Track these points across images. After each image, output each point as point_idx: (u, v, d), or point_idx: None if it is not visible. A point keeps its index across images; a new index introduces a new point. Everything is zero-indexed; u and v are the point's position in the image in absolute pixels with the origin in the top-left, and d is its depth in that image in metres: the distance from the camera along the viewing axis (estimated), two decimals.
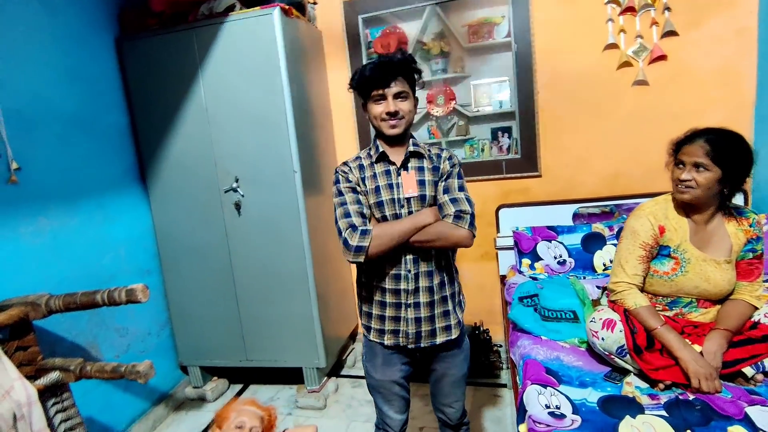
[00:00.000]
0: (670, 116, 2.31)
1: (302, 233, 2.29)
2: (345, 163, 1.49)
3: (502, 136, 2.60)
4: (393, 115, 1.38)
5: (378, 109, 1.39)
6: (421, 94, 2.64)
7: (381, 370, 1.51)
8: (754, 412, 1.10)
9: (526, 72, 2.42)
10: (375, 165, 1.45)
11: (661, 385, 1.26)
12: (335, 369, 2.77)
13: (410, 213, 1.40)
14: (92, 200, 2.18)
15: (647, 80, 2.30)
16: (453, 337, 1.43)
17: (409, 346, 1.43)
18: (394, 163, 1.44)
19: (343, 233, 1.36)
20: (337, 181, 1.45)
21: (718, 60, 2.22)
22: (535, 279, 2.05)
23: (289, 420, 2.38)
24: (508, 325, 1.94)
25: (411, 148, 1.44)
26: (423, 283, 1.40)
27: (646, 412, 1.16)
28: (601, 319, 1.39)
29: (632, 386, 1.28)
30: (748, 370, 1.25)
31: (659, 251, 1.43)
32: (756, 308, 1.35)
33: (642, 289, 1.44)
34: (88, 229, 2.14)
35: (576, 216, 2.35)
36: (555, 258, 2.15)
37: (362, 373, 2.70)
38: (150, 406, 2.45)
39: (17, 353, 1.60)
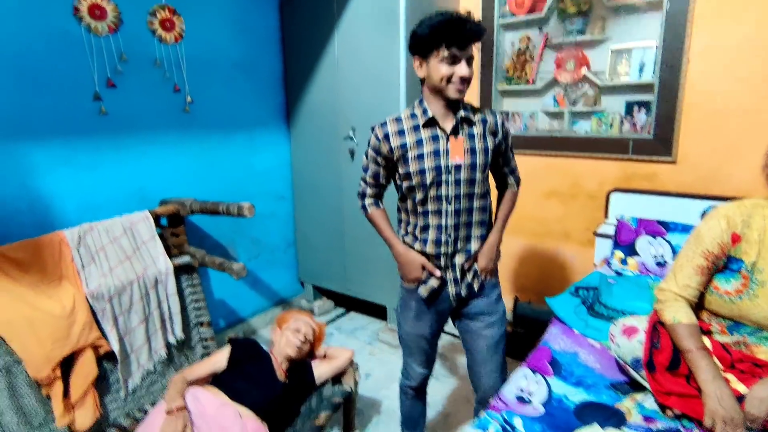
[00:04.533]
0: None
1: None
2: (383, 125, 1.44)
3: (639, 111, 2.26)
4: (465, 79, 1.34)
5: (447, 70, 1.32)
6: (549, 58, 2.45)
7: (412, 323, 1.58)
8: None
9: (676, 37, 2.03)
10: (421, 129, 1.40)
11: (671, 413, 1.11)
12: None
13: (457, 181, 1.37)
14: (245, 133, 2.71)
15: None
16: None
17: (444, 251, 1.45)
18: (443, 129, 1.39)
19: (359, 190, 1.58)
20: (369, 143, 1.48)
21: None
22: (619, 274, 1.85)
23: (369, 348, 2.69)
24: None
25: (462, 114, 1.39)
26: (465, 233, 1.45)
27: (623, 428, 1.05)
28: (624, 324, 1.24)
29: (634, 402, 1.15)
30: None
31: (727, 264, 1.18)
32: None
33: (699, 306, 1.22)
34: (238, 156, 2.69)
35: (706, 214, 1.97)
36: (654, 257, 1.88)
37: (448, 329, 2.86)
38: (271, 305, 3.04)
39: (171, 238, 2.20)
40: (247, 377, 1.64)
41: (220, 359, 1.71)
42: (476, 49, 1.40)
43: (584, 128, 2.42)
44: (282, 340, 1.76)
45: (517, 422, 1.08)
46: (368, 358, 2.55)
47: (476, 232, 1.46)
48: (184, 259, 2.14)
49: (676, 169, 2.15)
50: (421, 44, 1.33)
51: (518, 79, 2.58)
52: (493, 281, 1.53)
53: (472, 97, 2.73)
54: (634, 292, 1.61)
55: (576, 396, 1.19)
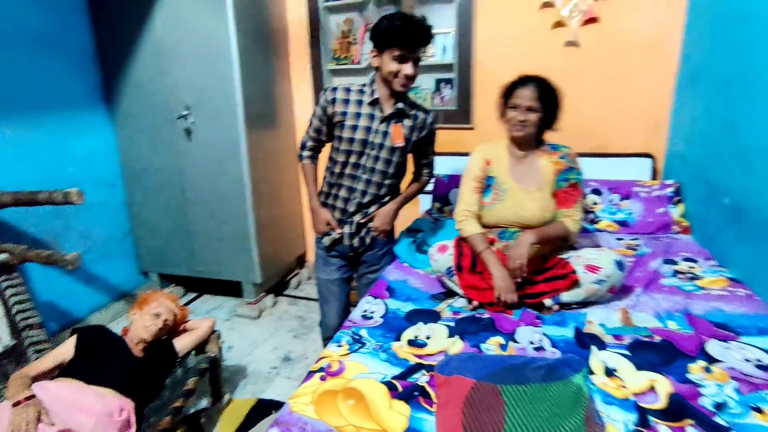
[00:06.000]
0: (598, 79, 2.38)
1: (242, 162, 2.53)
2: (334, 90, 1.70)
3: (445, 87, 2.72)
4: (410, 77, 1.59)
5: (396, 66, 1.57)
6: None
7: (321, 269, 1.91)
8: (522, 331, 1.33)
9: (466, 26, 2.50)
10: (364, 105, 1.67)
11: (471, 306, 1.50)
12: (278, 288, 3.09)
13: (376, 158, 1.69)
14: (56, 115, 2.44)
15: (579, 42, 2.36)
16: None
17: (349, 209, 1.77)
18: (382, 112, 1.67)
19: (302, 139, 1.84)
20: (317, 101, 1.75)
21: (647, 26, 2.26)
22: (437, 220, 2.26)
23: (227, 324, 2.73)
24: None
25: (400, 106, 1.67)
26: (369, 200, 1.76)
27: (439, 322, 1.40)
28: (438, 244, 1.63)
29: (447, 305, 1.52)
30: (549, 302, 1.47)
31: (488, 182, 1.63)
32: (570, 230, 1.54)
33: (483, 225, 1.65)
34: (52, 140, 2.41)
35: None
36: None
37: (302, 294, 3.05)
38: (111, 300, 2.83)
39: None
40: (100, 359, 1.60)
41: (65, 350, 1.63)
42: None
43: None
44: (140, 323, 1.73)
45: (363, 332, 1.35)
46: (228, 333, 2.61)
47: (378, 201, 1.78)
48: (0, 256, 1.91)
49: (475, 134, 2.67)
50: (378, 40, 1.57)
51: (345, 59, 2.84)
52: (384, 241, 1.86)
53: (305, 75, 2.91)
54: (447, 231, 2.02)
55: (406, 308, 1.51)
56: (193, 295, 3.12)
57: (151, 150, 2.70)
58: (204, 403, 1.99)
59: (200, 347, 1.92)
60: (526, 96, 1.53)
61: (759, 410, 0.99)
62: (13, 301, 1.97)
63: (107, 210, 2.77)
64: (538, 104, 1.52)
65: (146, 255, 2.96)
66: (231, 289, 3.01)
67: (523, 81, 1.57)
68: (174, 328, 1.87)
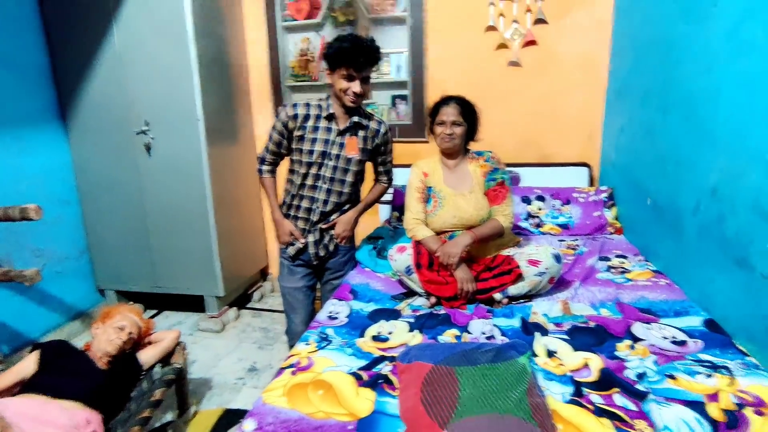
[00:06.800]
0: (538, 95, 2.61)
1: (204, 176, 2.57)
2: (295, 106, 1.81)
3: (400, 103, 2.88)
4: (358, 95, 1.72)
5: (345, 84, 1.70)
6: None
7: (286, 278, 1.99)
8: (475, 324, 1.47)
9: (418, 46, 2.68)
10: (322, 119, 1.78)
11: (429, 303, 1.62)
12: (241, 301, 3.11)
13: (334, 168, 1.82)
14: (9, 132, 2.40)
15: (520, 62, 2.58)
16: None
17: (313, 219, 1.88)
18: (338, 126, 1.80)
19: (260, 154, 1.92)
20: (277, 116, 1.84)
21: (580, 48, 2.51)
22: (396, 228, 2.39)
23: (190, 339, 2.72)
24: None
25: (356, 119, 1.79)
26: (330, 209, 1.88)
27: (399, 319, 1.51)
28: (396, 246, 1.76)
29: (407, 304, 1.64)
30: (498, 296, 1.61)
31: (429, 193, 1.82)
32: (503, 225, 1.73)
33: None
34: (3, 157, 2.37)
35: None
36: None
37: (266, 307, 3.08)
38: (66, 320, 2.76)
39: None
40: (63, 373, 1.59)
41: (26, 366, 1.61)
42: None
43: None
44: (103, 337, 1.73)
45: (329, 331, 1.44)
46: (192, 347, 2.60)
47: (340, 209, 1.89)
48: None
49: (430, 147, 2.80)
50: (330, 59, 1.71)
51: (303, 76, 2.95)
52: (347, 247, 1.98)
53: (265, 91, 2.99)
54: (405, 238, 2.14)
55: (368, 308, 1.61)
56: (153, 312, 3.09)
57: (108, 166, 2.68)
58: (170, 416, 1.99)
59: (165, 359, 1.94)
60: (450, 113, 1.73)
61: (672, 377, 1.16)
62: None
63: (62, 227, 2.72)
64: (461, 119, 1.74)
65: (103, 272, 2.91)
66: (192, 304, 3.01)
67: (446, 100, 1.78)
68: (138, 340, 1.88)
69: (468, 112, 1.76)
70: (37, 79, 2.56)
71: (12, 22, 2.41)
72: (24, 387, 1.57)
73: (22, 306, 2.49)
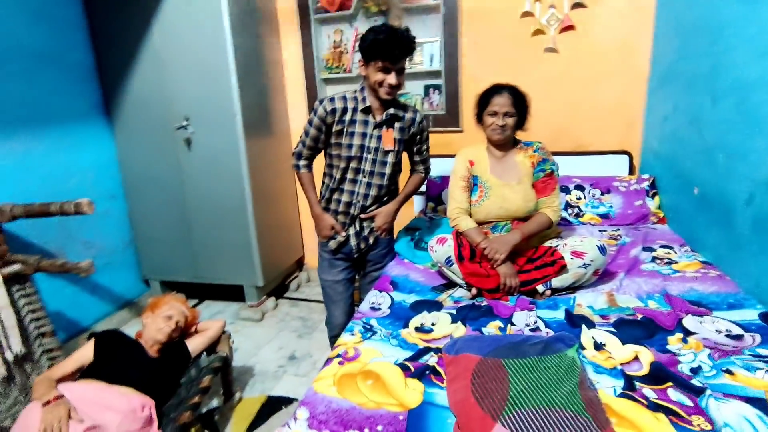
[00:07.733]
0: (575, 82, 2.55)
1: (242, 170, 2.62)
2: (332, 100, 1.79)
3: (433, 93, 2.85)
4: (393, 86, 1.71)
5: (381, 77, 1.69)
6: None
7: (327, 271, 2.00)
8: (518, 316, 1.46)
9: (452, 34, 2.64)
10: (358, 113, 1.77)
11: (471, 294, 1.62)
12: (279, 291, 3.18)
13: (373, 161, 1.82)
14: (59, 129, 2.51)
15: (557, 48, 2.52)
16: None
17: (353, 212, 1.88)
18: (374, 118, 1.79)
19: (296, 149, 1.91)
20: (315, 112, 1.81)
21: (619, 33, 2.43)
22: (432, 219, 2.39)
23: (231, 327, 2.81)
24: None
25: (392, 111, 1.79)
26: (371, 202, 1.88)
27: (441, 310, 1.52)
28: (436, 237, 1.76)
29: (448, 295, 1.64)
30: (541, 288, 1.60)
31: (474, 182, 1.80)
32: (551, 219, 1.71)
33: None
34: (55, 153, 2.48)
35: None
36: None
37: (302, 296, 3.14)
38: (115, 309, 2.89)
39: None
40: (119, 361, 1.68)
41: (85, 354, 1.70)
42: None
43: None
44: (153, 326, 1.81)
45: (373, 322, 1.46)
46: (233, 335, 2.65)
47: (379, 201, 1.89)
48: (13, 267, 1.97)
49: (464, 136, 2.80)
50: (364, 52, 1.69)
51: (337, 68, 2.96)
52: (387, 239, 1.98)
53: (299, 85, 3.02)
54: (442, 228, 2.15)
55: (410, 299, 1.63)
56: (194, 301, 3.19)
57: (151, 161, 2.77)
58: (215, 402, 2.07)
59: (211, 348, 2.01)
60: (503, 103, 1.69)
61: (730, 372, 1.13)
62: (26, 311, 2.03)
63: (109, 220, 2.84)
64: (513, 109, 1.70)
65: (148, 263, 3.02)
66: (232, 293, 3.09)
67: (498, 89, 1.73)
68: (186, 329, 1.95)
69: (520, 102, 1.72)
70: (84, 77, 2.66)
71: (61, 22, 2.51)
72: (83, 373, 1.66)
73: (74, 296, 2.62)
